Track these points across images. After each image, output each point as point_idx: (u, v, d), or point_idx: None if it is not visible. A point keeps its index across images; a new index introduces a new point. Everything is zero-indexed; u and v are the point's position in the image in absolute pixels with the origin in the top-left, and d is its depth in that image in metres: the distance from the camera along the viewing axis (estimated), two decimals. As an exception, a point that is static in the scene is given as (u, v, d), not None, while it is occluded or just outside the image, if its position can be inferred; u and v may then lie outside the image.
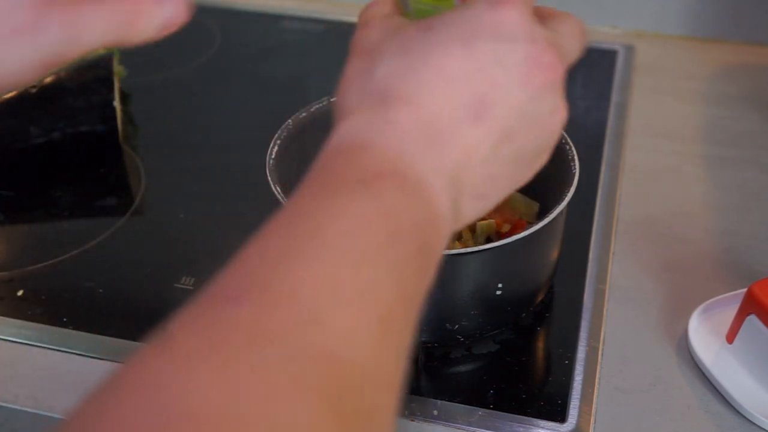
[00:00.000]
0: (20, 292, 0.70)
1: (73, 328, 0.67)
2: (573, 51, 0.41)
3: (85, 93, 0.84)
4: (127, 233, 0.77)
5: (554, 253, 0.66)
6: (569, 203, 0.62)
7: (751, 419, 0.59)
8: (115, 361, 0.64)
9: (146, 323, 0.67)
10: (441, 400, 0.61)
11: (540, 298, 0.68)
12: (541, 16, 0.41)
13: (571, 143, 0.67)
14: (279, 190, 0.63)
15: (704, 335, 0.64)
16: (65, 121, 0.83)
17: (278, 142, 0.67)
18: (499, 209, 0.70)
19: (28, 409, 0.61)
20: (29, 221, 0.81)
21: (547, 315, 0.68)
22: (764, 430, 0.58)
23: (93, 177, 0.85)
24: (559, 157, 0.67)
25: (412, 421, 0.59)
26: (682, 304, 0.68)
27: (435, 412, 0.60)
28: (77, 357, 0.65)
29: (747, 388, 0.60)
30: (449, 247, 0.65)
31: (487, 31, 0.38)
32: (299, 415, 0.26)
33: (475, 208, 0.40)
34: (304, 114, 0.71)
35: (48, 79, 0.84)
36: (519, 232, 0.60)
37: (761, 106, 0.94)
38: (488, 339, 0.65)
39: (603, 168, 0.84)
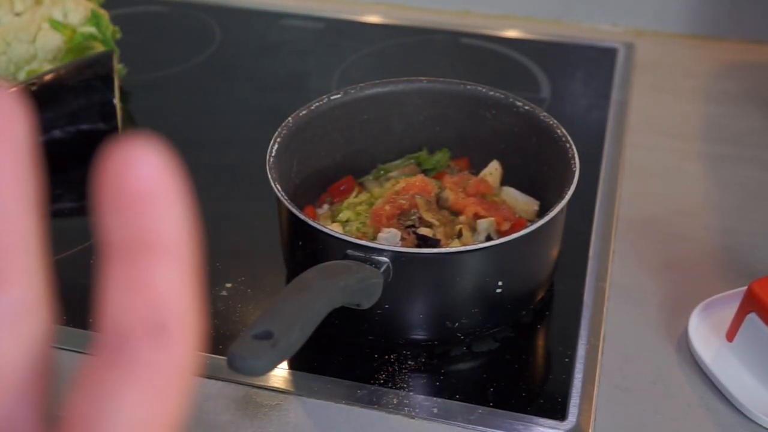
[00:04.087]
0: (20, 290, 0.70)
1: (73, 326, 0.67)
2: None
3: (85, 91, 0.83)
4: (127, 231, 0.77)
5: (554, 252, 0.66)
6: (569, 201, 0.62)
7: (751, 417, 0.59)
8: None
9: (146, 321, 0.67)
10: (441, 398, 0.61)
11: (540, 296, 0.68)
12: None
13: (571, 141, 0.67)
14: (279, 188, 0.63)
15: (704, 333, 0.64)
16: (65, 119, 0.83)
17: (278, 139, 0.67)
18: (499, 207, 0.70)
19: (28, 407, 0.61)
20: (29, 219, 0.81)
21: (547, 313, 0.68)
22: (764, 428, 0.58)
23: (93, 175, 0.85)
24: (559, 156, 0.67)
25: (412, 419, 0.59)
26: (682, 303, 0.68)
27: (435, 410, 0.60)
28: (77, 355, 0.65)
29: (747, 386, 0.60)
30: (450, 246, 0.66)
31: None
32: None
33: None
34: (304, 112, 0.71)
35: (48, 77, 0.84)
36: (519, 231, 0.60)
37: (761, 104, 0.94)
38: (488, 337, 0.65)
39: (603, 166, 0.84)
